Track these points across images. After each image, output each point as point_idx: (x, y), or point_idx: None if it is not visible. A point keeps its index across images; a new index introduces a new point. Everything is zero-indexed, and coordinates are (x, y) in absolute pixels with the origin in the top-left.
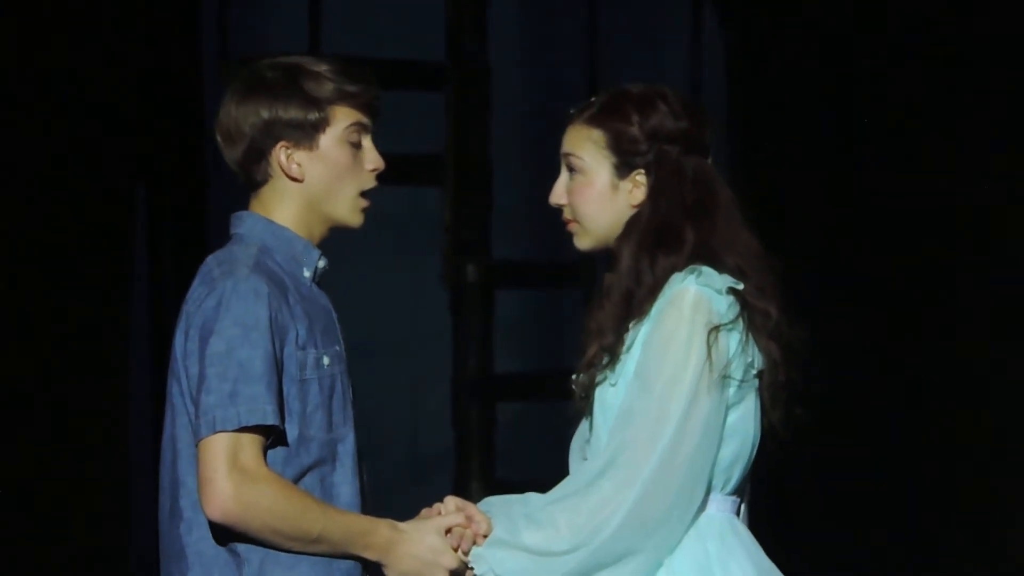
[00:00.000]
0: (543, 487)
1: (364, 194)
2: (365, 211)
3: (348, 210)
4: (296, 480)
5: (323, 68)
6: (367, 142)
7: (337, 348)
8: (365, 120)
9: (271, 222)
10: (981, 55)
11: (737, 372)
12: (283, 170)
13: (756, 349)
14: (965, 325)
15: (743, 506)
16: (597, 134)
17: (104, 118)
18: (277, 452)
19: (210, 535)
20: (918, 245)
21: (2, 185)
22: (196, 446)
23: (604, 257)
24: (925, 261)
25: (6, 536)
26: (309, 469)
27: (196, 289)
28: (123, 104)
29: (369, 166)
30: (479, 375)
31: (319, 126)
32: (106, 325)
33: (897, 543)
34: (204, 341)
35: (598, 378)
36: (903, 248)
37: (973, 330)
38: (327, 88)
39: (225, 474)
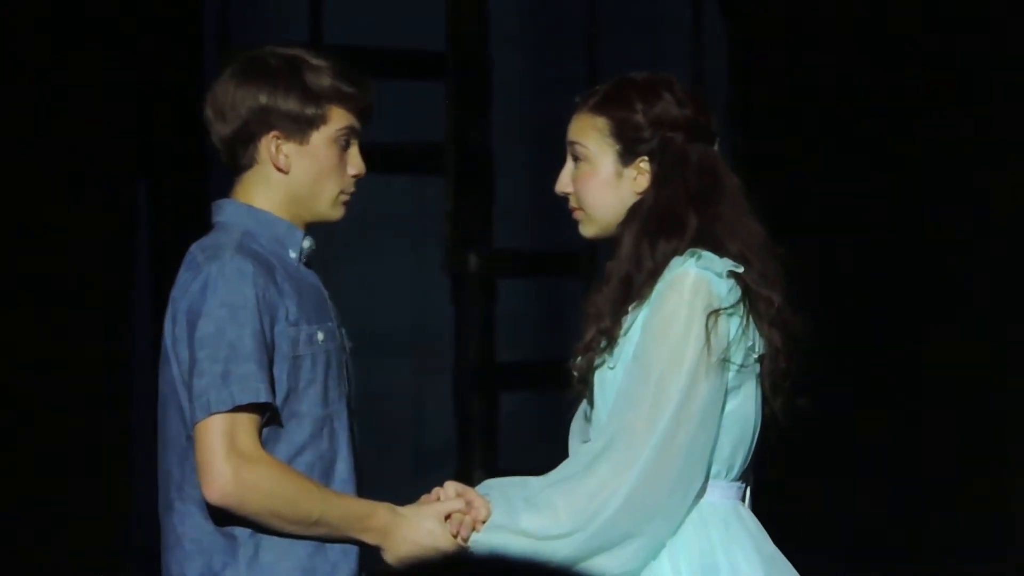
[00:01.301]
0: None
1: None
2: (346, 204)
3: (327, 206)
4: (292, 458)
5: (324, 64)
6: (354, 147)
7: (330, 324)
8: (357, 125)
9: (252, 207)
10: (985, 50)
11: (737, 356)
12: (270, 159)
13: (757, 334)
14: (973, 316)
15: (747, 493)
16: (601, 122)
17: (104, 111)
18: (270, 430)
19: (203, 522)
20: (922, 236)
21: (4, 182)
22: (192, 430)
23: (606, 246)
24: (930, 252)
25: (9, 532)
26: (304, 446)
27: (181, 275)
28: (123, 97)
29: (352, 171)
30: (481, 365)
31: (314, 122)
32: (109, 321)
33: (902, 532)
34: (192, 325)
35: (596, 361)
36: (907, 240)
37: (981, 321)
38: (327, 85)
39: (223, 456)
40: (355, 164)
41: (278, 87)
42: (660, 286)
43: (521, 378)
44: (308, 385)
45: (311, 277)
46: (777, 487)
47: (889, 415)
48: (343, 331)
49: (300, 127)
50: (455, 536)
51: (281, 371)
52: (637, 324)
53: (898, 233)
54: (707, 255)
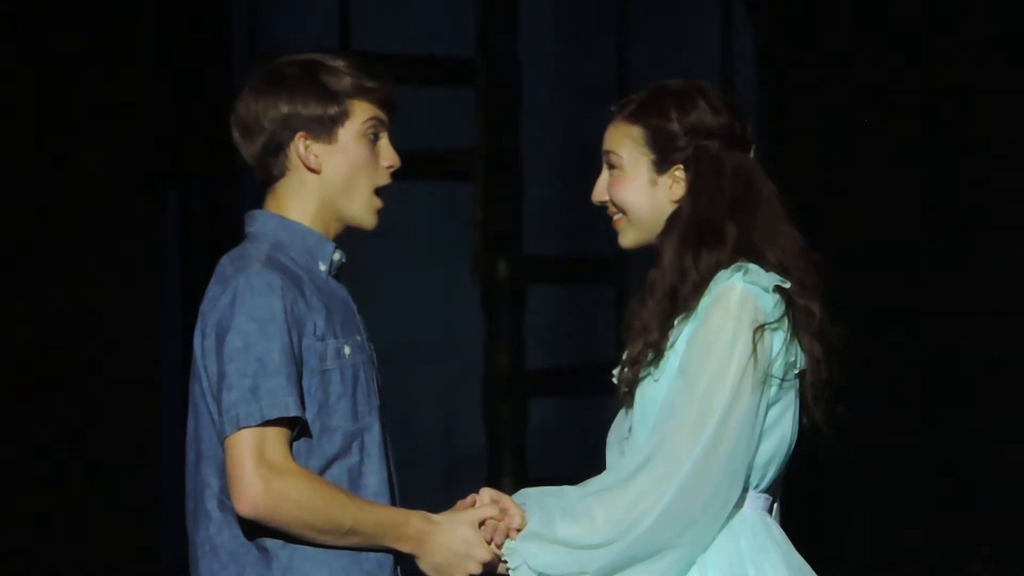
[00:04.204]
0: (576, 483)
1: (379, 194)
2: (379, 212)
3: (363, 208)
4: (322, 470)
5: (341, 63)
6: (384, 138)
7: (358, 338)
8: (383, 116)
9: (284, 218)
10: (1018, 47)
11: (779, 371)
12: (301, 160)
13: (799, 348)
14: (1008, 321)
15: (776, 504)
16: (636, 131)
17: (134, 123)
18: (301, 443)
19: (240, 533)
20: (955, 239)
21: (34, 194)
22: (221, 444)
23: (637, 253)
24: (962, 255)
25: (37, 537)
26: (334, 459)
27: (211, 288)
28: (153, 109)
29: (385, 162)
30: (511, 372)
31: (338, 119)
32: (139, 333)
33: (930, 543)
34: (221, 339)
35: (641, 374)
36: (939, 243)
37: (1016, 327)
38: (346, 82)
39: (253, 469)
40: (387, 156)
41: (297, 93)
42: (706, 300)
43: (551, 385)
44: (338, 399)
45: (340, 290)
46: (807, 494)
47: (923, 419)
48: (372, 345)
49: (325, 126)
50: (489, 543)
51: (310, 384)
52: (683, 337)
53: (933, 238)
54: (753, 269)
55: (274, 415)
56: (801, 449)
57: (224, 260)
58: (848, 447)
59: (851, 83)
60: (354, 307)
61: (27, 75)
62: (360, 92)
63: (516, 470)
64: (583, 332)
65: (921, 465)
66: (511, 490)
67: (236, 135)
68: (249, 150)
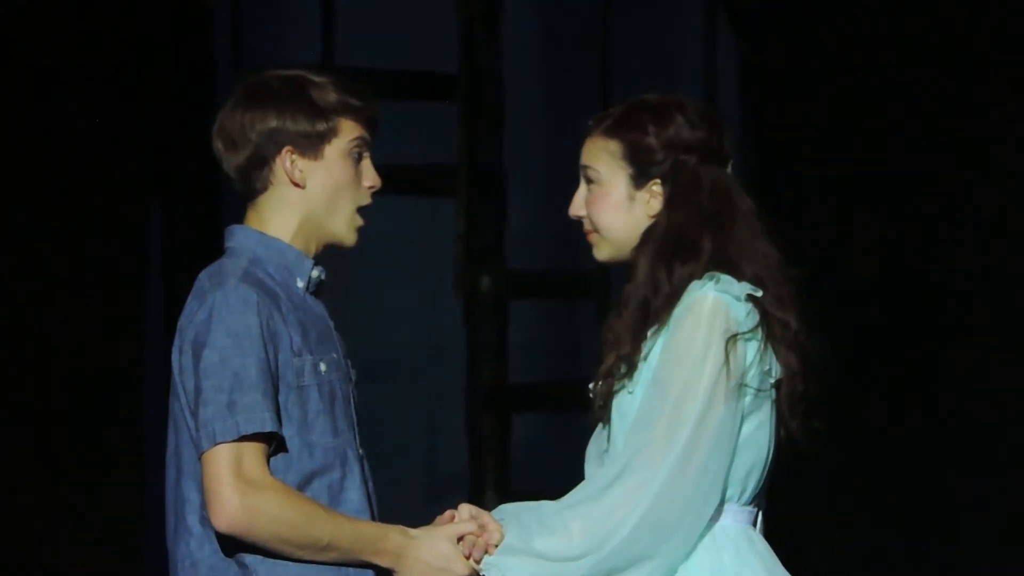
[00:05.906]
0: (559, 498)
1: (360, 211)
2: (360, 229)
3: (344, 225)
4: (301, 486)
5: (328, 81)
6: (366, 159)
7: (335, 355)
8: (367, 136)
9: (263, 234)
10: (995, 62)
11: (754, 381)
12: (286, 175)
13: (774, 358)
14: (982, 333)
15: (760, 517)
16: (613, 145)
17: (117, 137)
18: (279, 459)
19: (220, 548)
20: (934, 253)
21: (17, 207)
22: (199, 460)
23: (618, 267)
24: (940, 268)
25: (16, 552)
26: (314, 475)
27: (189, 304)
28: (136, 123)
29: (367, 183)
30: (494, 386)
31: (326, 136)
32: (120, 348)
33: (914, 556)
34: (197, 355)
35: (616, 386)
36: (918, 256)
37: (990, 338)
38: (334, 99)
39: (230, 484)
40: (370, 176)
41: (285, 108)
42: (679, 310)
43: (534, 399)
44: (317, 415)
45: (317, 307)
46: (792, 507)
47: (904, 432)
48: (348, 361)
49: (312, 143)
50: (468, 558)
51: (287, 400)
52: (656, 348)
53: (914, 246)
54: (725, 278)
55: (250, 430)
56: (783, 462)
57: (202, 275)
58: (835, 460)
59: (834, 95)
60: (331, 324)
61: (8, 85)
62: (347, 110)
63: (499, 484)
64: (566, 347)
65: (911, 479)
66: (494, 505)
67: (219, 146)
68: (232, 162)
